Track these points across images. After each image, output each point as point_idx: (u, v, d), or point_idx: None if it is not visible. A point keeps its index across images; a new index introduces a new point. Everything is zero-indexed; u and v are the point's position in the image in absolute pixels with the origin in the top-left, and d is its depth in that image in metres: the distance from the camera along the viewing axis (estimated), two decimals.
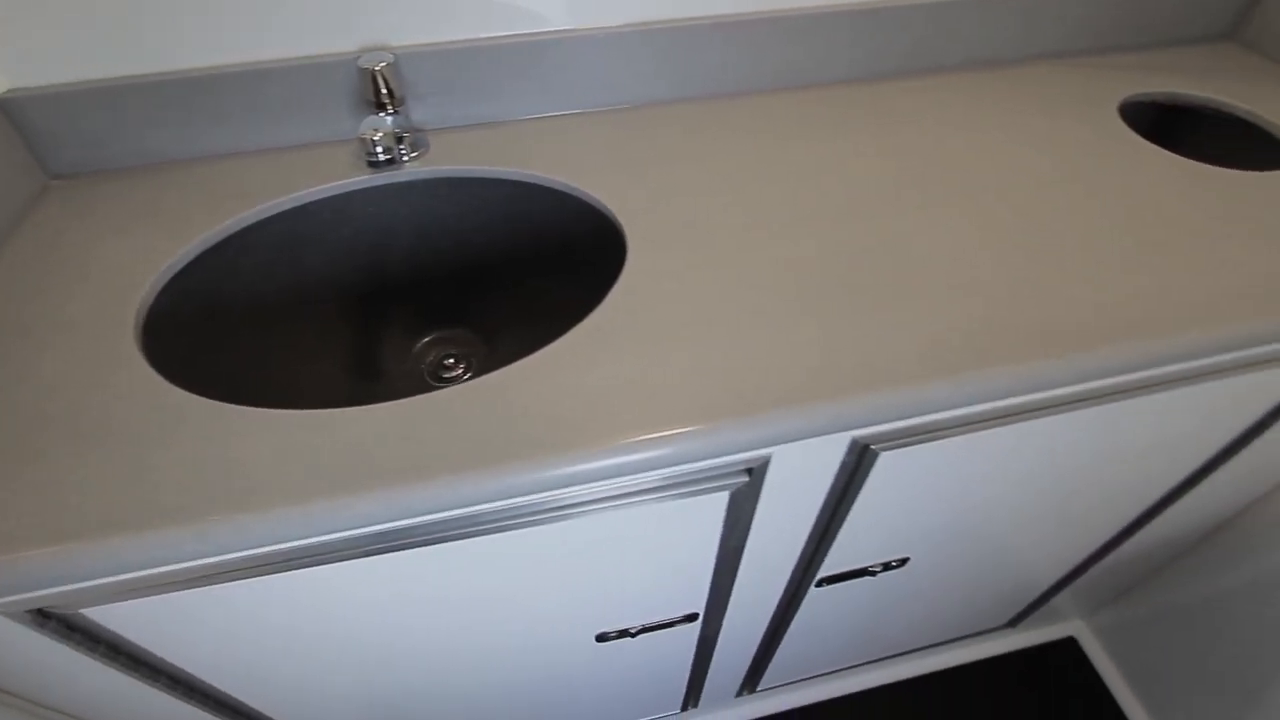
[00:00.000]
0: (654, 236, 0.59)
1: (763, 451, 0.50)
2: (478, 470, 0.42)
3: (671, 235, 0.59)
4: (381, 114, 0.60)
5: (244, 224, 0.62)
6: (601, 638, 0.71)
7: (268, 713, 0.64)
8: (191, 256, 0.59)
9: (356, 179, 0.65)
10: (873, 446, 0.53)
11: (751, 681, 1.05)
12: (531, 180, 0.67)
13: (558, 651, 0.72)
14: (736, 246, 0.58)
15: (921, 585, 0.85)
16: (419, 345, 0.77)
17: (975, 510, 0.69)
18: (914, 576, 0.81)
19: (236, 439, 0.44)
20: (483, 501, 0.43)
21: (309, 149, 0.69)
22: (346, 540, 0.46)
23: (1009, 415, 0.55)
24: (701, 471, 0.50)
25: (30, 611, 0.43)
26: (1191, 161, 0.67)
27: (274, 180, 0.65)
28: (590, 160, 0.67)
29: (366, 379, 0.73)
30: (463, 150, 0.69)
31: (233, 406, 0.46)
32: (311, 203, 0.65)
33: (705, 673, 0.94)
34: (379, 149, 0.57)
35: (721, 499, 0.53)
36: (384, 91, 0.63)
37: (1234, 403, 0.64)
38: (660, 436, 0.44)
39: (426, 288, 0.75)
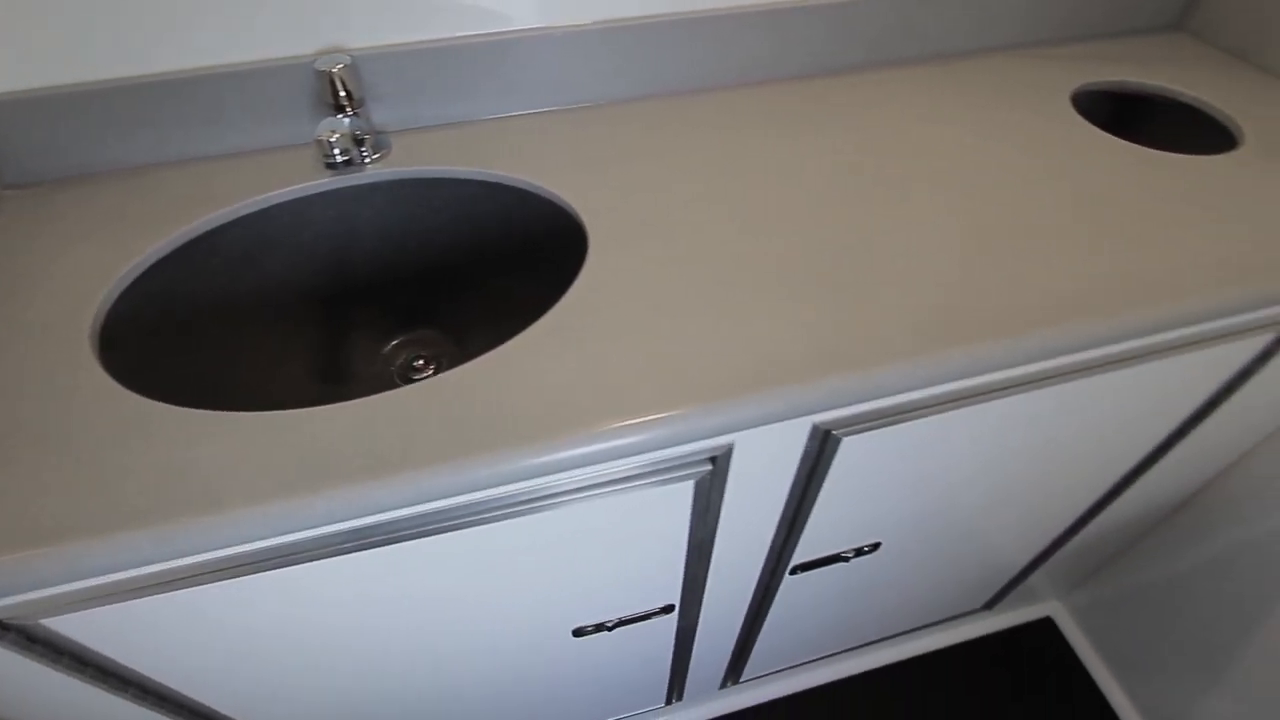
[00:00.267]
0: (615, 232, 0.59)
1: (724, 440, 0.51)
2: (438, 465, 0.42)
3: (633, 231, 0.60)
4: (340, 116, 0.60)
5: (203, 229, 0.62)
6: (578, 632, 0.71)
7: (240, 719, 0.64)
8: (149, 263, 0.59)
9: (317, 182, 0.65)
10: (834, 432, 0.54)
11: (735, 672, 1.06)
12: (494, 180, 0.67)
13: (534, 648, 0.72)
14: (697, 240, 0.59)
15: (895, 570, 0.86)
16: (388, 347, 0.77)
17: (942, 493, 0.71)
18: (887, 561, 0.82)
19: (195, 442, 0.44)
20: (445, 496, 0.43)
21: (269, 153, 0.69)
22: (312, 540, 0.46)
23: (967, 397, 0.56)
24: (665, 461, 0.51)
25: None
26: (1142, 148, 0.69)
27: (233, 185, 0.65)
28: (553, 159, 0.68)
29: (335, 382, 0.73)
30: (425, 151, 0.69)
31: (191, 410, 0.46)
32: (272, 206, 0.65)
33: (687, 665, 0.95)
34: (337, 151, 0.57)
35: (687, 488, 0.53)
36: (342, 94, 0.63)
37: (1186, 381, 0.66)
38: (621, 426, 0.45)
39: (394, 289, 0.75)
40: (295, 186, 0.64)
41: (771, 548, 0.70)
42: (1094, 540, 1.00)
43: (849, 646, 1.15)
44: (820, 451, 0.56)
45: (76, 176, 0.67)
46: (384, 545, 0.48)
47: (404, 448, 0.43)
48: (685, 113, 0.74)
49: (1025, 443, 0.66)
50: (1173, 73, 0.79)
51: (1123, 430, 0.71)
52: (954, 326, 0.51)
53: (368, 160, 0.67)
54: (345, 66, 0.62)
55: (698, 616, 0.80)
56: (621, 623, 0.72)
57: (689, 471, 0.52)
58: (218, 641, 0.52)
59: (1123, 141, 0.70)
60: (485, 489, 0.44)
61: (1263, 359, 0.66)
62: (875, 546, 0.77)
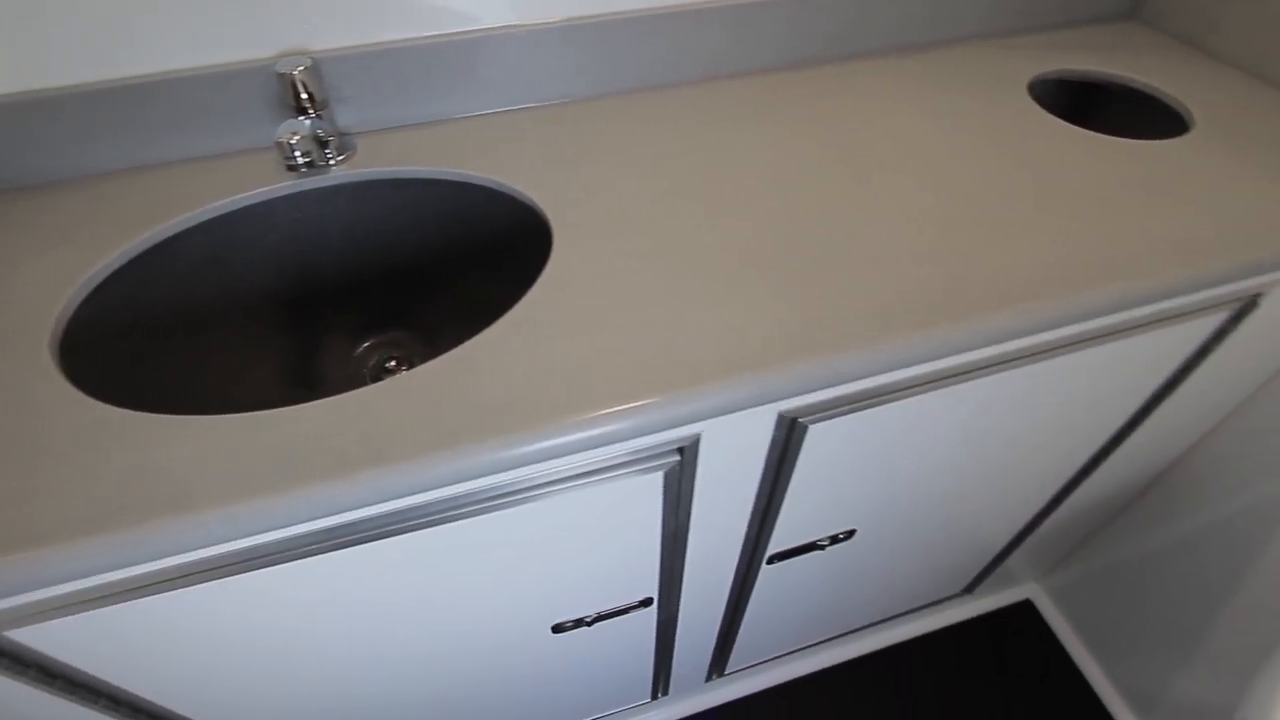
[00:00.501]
0: (580, 227, 0.60)
1: (691, 430, 0.51)
2: (403, 462, 0.43)
3: (597, 226, 0.60)
4: (300, 118, 0.60)
5: (165, 235, 0.61)
6: (558, 629, 0.72)
7: None
8: (111, 270, 0.58)
9: (281, 185, 0.65)
10: (800, 420, 0.55)
11: (719, 664, 1.07)
12: (460, 179, 0.67)
13: (514, 646, 0.72)
14: (661, 233, 0.59)
15: (872, 556, 0.87)
16: (360, 349, 0.77)
17: (914, 478, 0.72)
18: (863, 548, 0.83)
19: (158, 447, 0.44)
20: (410, 493, 0.44)
21: (232, 157, 0.69)
22: (281, 542, 0.46)
23: (932, 382, 0.57)
24: (633, 453, 0.51)
25: None
26: (1096, 134, 0.71)
27: (196, 190, 0.65)
28: (518, 157, 0.68)
29: (306, 385, 0.72)
30: (390, 152, 0.69)
31: (154, 415, 0.46)
32: (235, 211, 0.64)
33: (670, 658, 0.95)
34: (298, 153, 0.56)
35: (656, 480, 0.54)
36: (304, 96, 0.63)
37: (1147, 360, 0.67)
38: (584, 419, 0.45)
39: (363, 291, 0.75)
40: (258, 190, 0.64)
41: (746, 538, 0.71)
42: (1067, 521, 1.02)
43: (832, 635, 1.16)
44: (788, 440, 0.57)
45: (36, 185, 0.66)
46: (353, 545, 0.48)
47: (369, 445, 0.43)
48: (649, 109, 0.75)
49: (993, 426, 0.68)
50: (1126, 60, 0.81)
51: (1089, 411, 0.72)
52: (914, 311, 0.52)
53: (332, 162, 0.66)
54: (306, 69, 0.62)
55: (678, 609, 0.80)
56: (601, 617, 0.73)
57: (657, 463, 0.52)
58: (190, 649, 0.51)
59: (1078, 128, 0.71)
60: (451, 484, 0.45)
61: (1218, 337, 0.68)
62: (850, 534, 0.78)
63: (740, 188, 0.64)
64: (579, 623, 0.72)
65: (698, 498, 0.60)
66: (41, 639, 0.45)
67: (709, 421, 0.51)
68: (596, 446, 0.46)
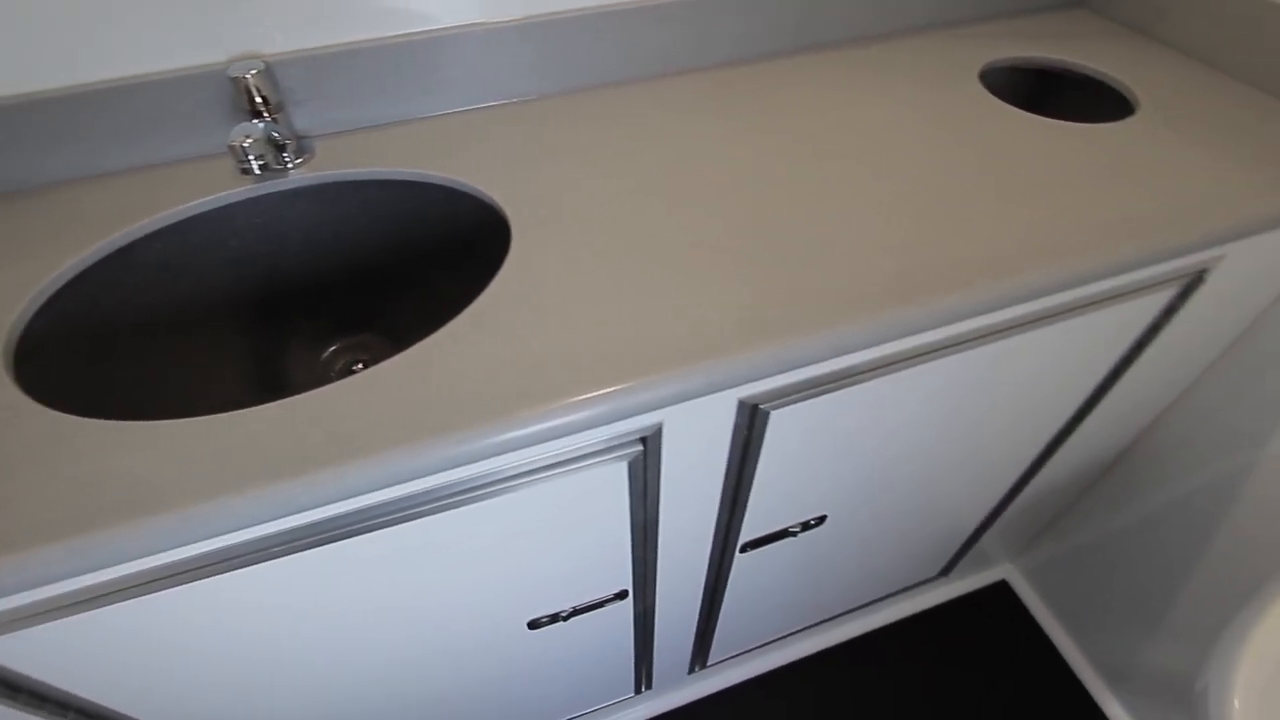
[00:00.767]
0: (539, 223, 0.60)
1: (652, 419, 0.52)
2: (362, 459, 0.43)
3: (556, 221, 0.60)
4: (254, 121, 0.60)
5: (120, 243, 0.61)
6: (533, 625, 0.72)
7: None
8: (66, 279, 0.58)
9: (237, 190, 0.65)
10: (761, 406, 0.56)
11: (701, 656, 1.08)
12: (420, 179, 0.67)
13: (490, 645, 0.72)
14: (619, 226, 0.60)
15: (845, 541, 0.88)
16: (327, 353, 0.77)
17: (881, 462, 0.73)
18: (835, 533, 0.84)
19: (113, 453, 0.43)
20: (371, 490, 0.44)
21: (190, 163, 0.68)
22: (243, 545, 0.46)
23: (890, 365, 0.58)
24: (594, 444, 0.52)
25: None
26: (1045, 119, 0.72)
27: (153, 198, 0.64)
28: (477, 156, 0.68)
29: (272, 391, 0.72)
30: (349, 154, 0.69)
31: (109, 422, 0.45)
32: (193, 216, 0.64)
33: (651, 651, 0.96)
34: (252, 156, 0.56)
35: (620, 470, 0.55)
36: (258, 100, 0.62)
37: (1102, 337, 0.69)
38: (544, 411, 0.45)
39: (328, 294, 0.74)
40: (215, 195, 0.64)
41: (717, 526, 0.71)
42: (1036, 500, 1.04)
43: (812, 623, 1.17)
44: (751, 427, 0.58)
45: None
46: (318, 546, 0.48)
47: (329, 444, 0.44)
48: (605, 106, 0.75)
49: (957, 407, 0.69)
50: (1075, 47, 0.83)
51: (1049, 390, 0.74)
52: (868, 295, 0.53)
53: (290, 165, 0.66)
54: (259, 72, 0.62)
55: (654, 601, 0.81)
56: (576, 612, 0.73)
57: (621, 453, 0.53)
58: (157, 657, 0.51)
59: (1028, 114, 0.73)
60: (413, 480, 0.45)
61: (1168, 313, 0.70)
62: (821, 520, 0.79)
63: (698, 181, 0.65)
64: (555, 618, 0.72)
65: (665, 487, 0.61)
66: (3, 652, 0.45)
67: (669, 410, 0.52)
68: (557, 437, 0.47)
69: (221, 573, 0.46)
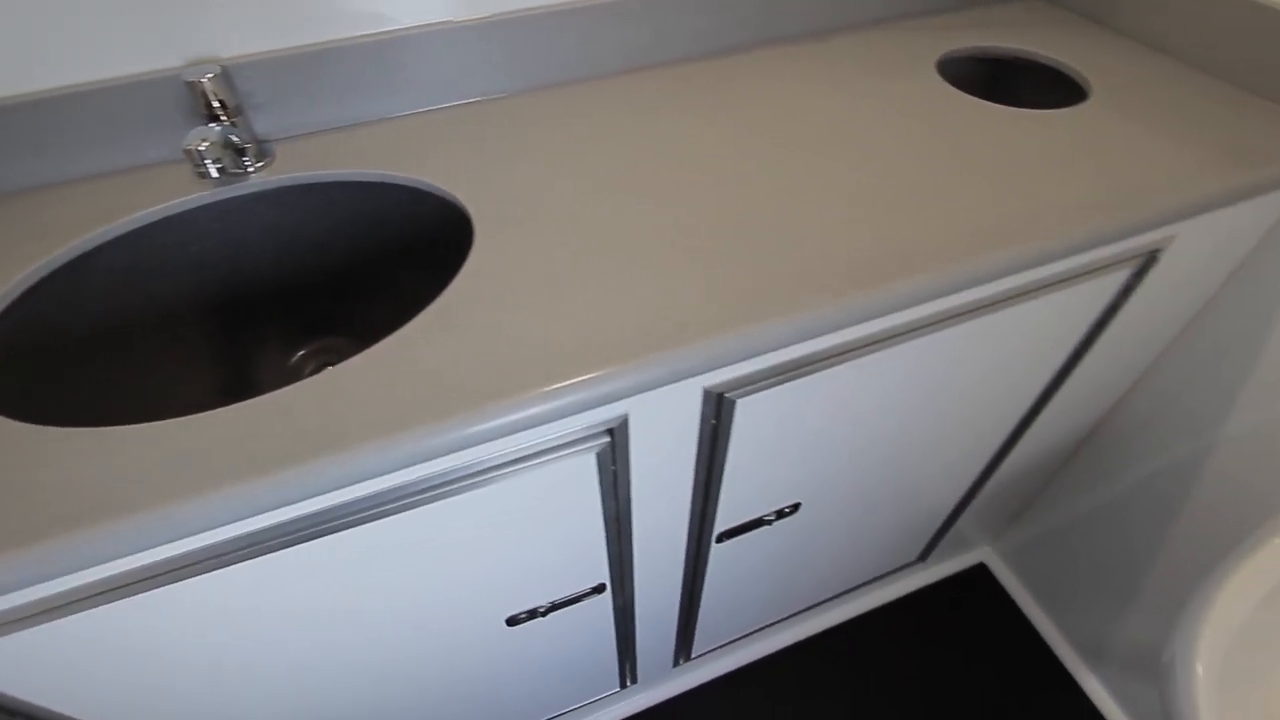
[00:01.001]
0: (501, 220, 0.60)
1: (617, 409, 0.52)
2: (324, 457, 0.43)
3: (518, 217, 0.61)
4: (210, 125, 0.60)
5: (77, 252, 0.60)
6: (512, 621, 0.72)
7: None
8: (21, 290, 0.57)
9: (198, 194, 0.64)
10: (727, 395, 0.56)
11: (685, 648, 1.08)
12: (382, 180, 0.67)
13: (470, 644, 0.72)
14: (582, 221, 0.60)
15: (821, 528, 0.89)
16: (295, 357, 0.76)
17: (851, 447, 0.74)
18: (811, 521, 0.85)
19: (71, 460, 0.43)
20: (332, 488, 0.44)
21: (150, 169, 0.68)
22: (207, 549, 0.46)
23: (853, 350, 0.59)
24: (561, 436, 0.52)
25: None
26: (1000, 106, 0.74)
27: (110, 205, 0.63)
28: (439, 155, 0.68)
29: (240, 396, 0.71)
30: (310, 156, 0.68)
31: (67, 429, 0.45)
32: (153, 223, 0.63)
33: (633, 644, 0.96)
34: (208, 160, 0.56)
35: (589, 462, 0.55)
36: (215, 104, 0.62)
37: (1063, 318, 0.70)
38: (507, 404, 0.46)
39: (295, 298, 0.74)
40: (175, 201, 0.63)
41: (691, 517, 0.72)
42: (1008, 482, 1.06)
43: (795, 611, 1.18)
44: (718, 415, 0.59)
45: None
46: (284, 548, 0.48)
47: (290, 443, 0.44)
48: (566, 104, 0.76)
49: (923, 391, 0.70)
50: (1029, 36, 0.84)
51: (1014, 371, 0.75)
52: (827, 282, 0.53)
53: (251, 169, 0.66)
54: (215, 76, 0.61)
55: (633, 594, 0.81)
56: (555, 607, 0.73)
57: (588, 445, 0.53)
58: (120, 668, 0.51)
59: (984, 102, 0.74)
60: (376, 477, 0.45)
61: (1125, 292, 0.71)
62: (796, 507, 0.80)
63: (659, 175, 0.65)
64: (533, 614, 0.73)
65: (635, 479, 0.61)
66: None
67: (634, 400, 0.52)
68: (521, 430, 0.47)
69: (186, 578, 0.46)
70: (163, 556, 0.45)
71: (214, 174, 0.57)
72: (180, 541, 0.45)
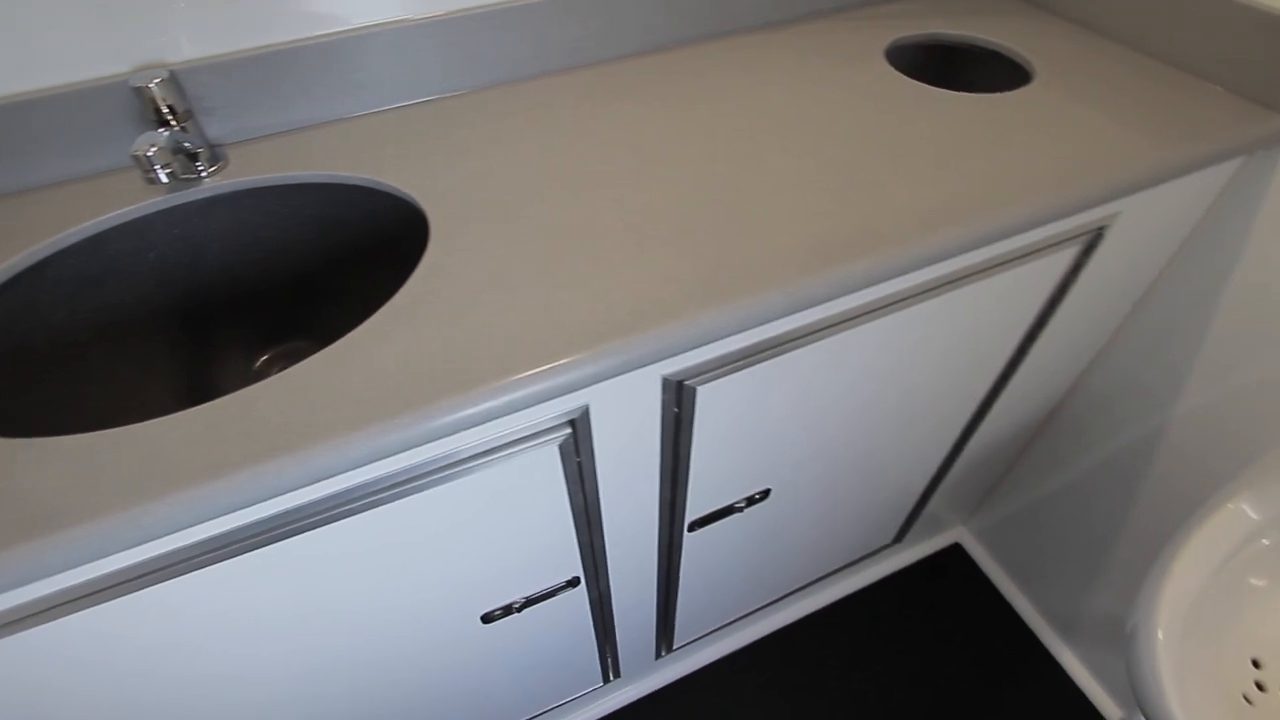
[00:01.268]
0: (456, 217, 0.61)
1: (577, 400, 0.53)
2: (278, 458, 0.43)
3: (473, 214, 0.61)
4: (159, 130, 0.59)
5: (27, 263, 0.59)
6: (487, 618, 0.72)
7: None
8: None
9: (151, 201, 0.64)
10: (687, 382, 0.57)
11: (666, 640, 1.09)
12: (337, 181, 0.67)
13: (446, 643, 0.72)
14: (534, 216, 0.60)
15: (792, 513, 0.90)
16: (259, 362, 0.76)
17: (816, 430, 0.75)
18: (782, 506, 0.86)
19: (23, 470, 0.43)
20: (291, 488, 0.44)
21: (101, 177, 0.67)
22: (170, 555, 0.46)
23: (808, 334, 0.60)
24: (522, 429, 0.53)
25: None
26: (947, 91, 0.75)
27: (61, 214, 0.63)
28: (393, 155, 0.68)
29: (203, 402, 0.71)
30: (265, 160, 0.68)
31: (17, 440, 0.45)
32: (106, 231, 0.63)
33: (613, 638, 0.97)
34: (157, 166, 0.55)
35: (551, 454, 0.55)
36: (164, 109, 0.62)
37: (1016, 297, 0.72)
38: (463, 398, 0.46)
39: (257, 303, 0.74)
40: (126, 209, 0.63)
41: (661, 506, 0.73)
42: (976, 462, 1.08)
43: (776, 598, 1.19)
44: (679, 403, 0.59)
45: None
46: (246, 552, 0.48)
47: (247, 444, 0.44)
48: (521, 99, 0.76)
49: (882, 373, 0.71)
50: (975, 23, 0.86)
51: (973, 351, 0.77)
52: (778, 268, 0.54)
53: (204, 174, 0.65)
54: (162, 81, 0.61)
55: (608, 586, 0.82)
56: (529, 602, 0.74)
57: (549, 437, 0.54)
58: (85, 681, 0.50)
59: (931, 87, 0.76)
60: (336, 475, 0.45)
61: (1075, 271, 0.73)
62: (766, 493, 0.81)
63: (613, 168, 0.66)
64: (508, 610, 0.73)
65: (601, 470, 0.62)
66: None
67: (593, 391, 0.53)
68: (480, 423, 0.47)
69: (149, 586, 0.46)
70: (124, 564, 0.45)
71: (164, 179, 0.57)
72: (141, 548, 0.44)
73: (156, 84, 0.61)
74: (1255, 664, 0.70)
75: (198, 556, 0.46)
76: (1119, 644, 1.09)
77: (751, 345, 0.58)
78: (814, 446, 0.78)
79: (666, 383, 0.56)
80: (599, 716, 1.19)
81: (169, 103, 0.62)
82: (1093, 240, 0.70)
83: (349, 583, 0.56)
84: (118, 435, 0.45)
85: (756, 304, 0.52)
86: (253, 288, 0.72)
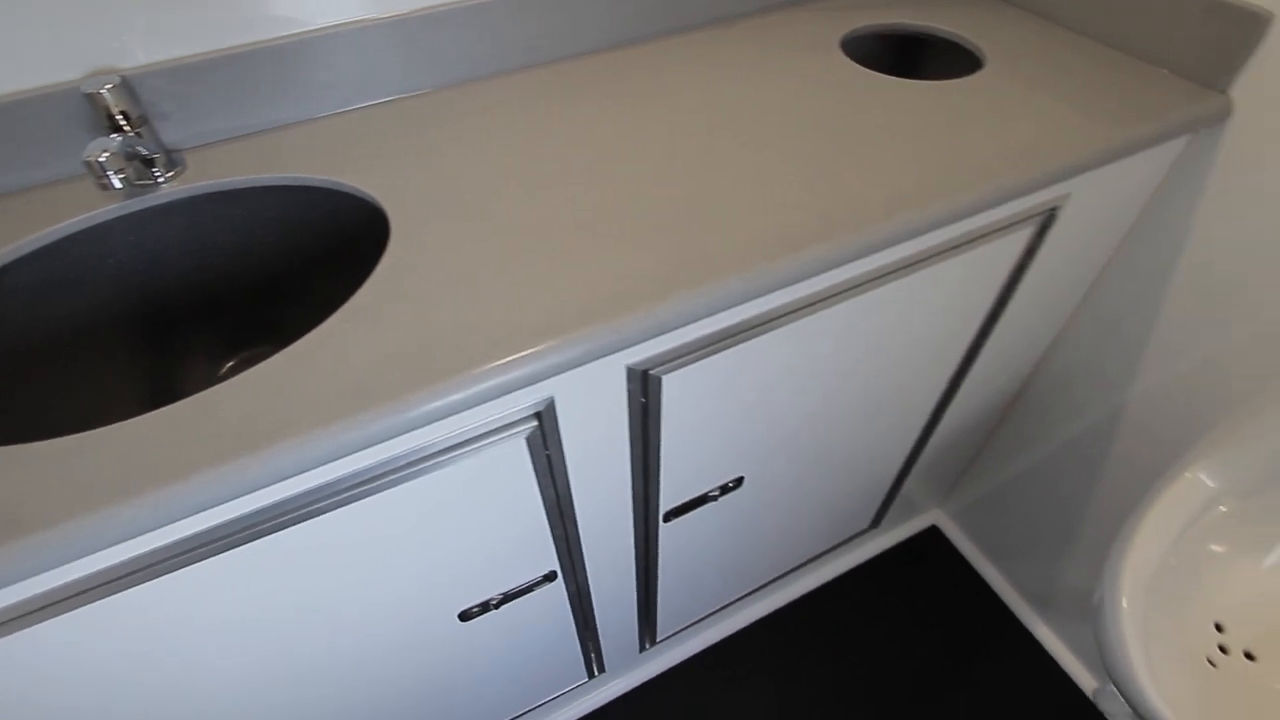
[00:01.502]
0: (417, 217, 0.61)
1: (541, 392, 0.53)
2: (240, 458, 0.43)
3: (434, 213, 0.61)
4: (111, 135, 0.59)
5: None
6: (465, 616, 0.72)
7: None
8: None
9: (107, 208, 0.63)
10: (651, 371, 0.58)
11: (649, 633, 1.10)
12: (296, 183, 0.67)
13: (424, 641, 0.72)
14: (494, 213, 0.61)
15: (767, 501, 0.91)
16: (224, 368, 0.75)
17: (785, 416, 0.76)
18: (756, 493, 0.87)
19: None
20: (256, 487, 0.44)
21: (53, 186, 0.66)
22: (134, 561, 0.45)
23: (770, 320, 0.61)
24: (488, 423, 0.53)
25: None
26: (900, 79, 0.76)
27: (15, 223, 0.62)
28: (352, 156, 0.68)
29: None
30: (222, 164, 0.68)
31: None
32: (62, 239, 0.62)
33: (594, 632, 0.97)
34: (110, 172, 0.55)
35: (519, 447, 0.56)
36: (117, 115, 0.61)
37: (974, 277, 0.73)
38: (425, 393, 0.46)
39: (220, 308, 0.73)
40: (80, 216, 0.62)
41: (634, 497, 0.73)
42: (946, 444, 1.10)
43: (757, 586, 1.20)
44: (645, 393, 0.60)
45: None
46: (215, 555, 0.48)
47: (209, 444, 0.43)
48: (479, 98, 0.76)
49: (846, 359, 0.73)
50: (928, 13, 0.88)
51: (935, 334, 0.78)
52: (735, 257, 0.55)
53: (161, 180, 0.65)
54: (114, 86, 0.60)
55: (586, 580, 0.82)
56: (507, 598, 0.74)
57: (516, 430, 0.54)
58: (55, 691, 0.50)
59: (885, 76, 0.77)
60: (296, 474, 0.45)
61: (1029, 253, 0.75)
62: (739, 481, 0.82)
63: (572, 163, 0.66)
64: (485, 607, 0.73)
65: (571, 462, 0.62)
66: None
67: (558, 382, 0.53)
68: (444, 417, 0.48)
69: (114, 593, 0.46)
70: (94, 569, 0.44)
71: (118, 185, 0.56)
72: (108, 552, 0.44)
73: (108, 90, 0.60)
74: (1218, 628, 0.73)
75: (166, 560, 0.46)
76: (1088, 615, 1.12)
77: (714, 333, 0.59)
78: (784, 433, 0.79)
79: (631, 372, 0.57)
80: (587, 711, 1.20)
81: (122, 108, 0.61)
82: (1046, 221, 0.72)
83: (322, 582, 0.56)
84: (80, 440, 0.44)
85: (714, 290, 0.52)
86: (216, 292, 0.72)
